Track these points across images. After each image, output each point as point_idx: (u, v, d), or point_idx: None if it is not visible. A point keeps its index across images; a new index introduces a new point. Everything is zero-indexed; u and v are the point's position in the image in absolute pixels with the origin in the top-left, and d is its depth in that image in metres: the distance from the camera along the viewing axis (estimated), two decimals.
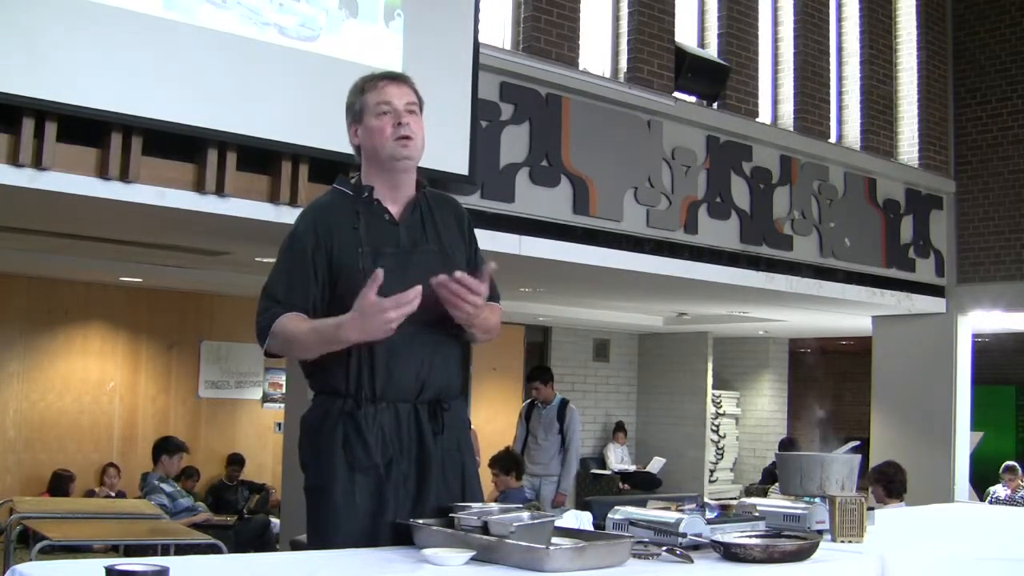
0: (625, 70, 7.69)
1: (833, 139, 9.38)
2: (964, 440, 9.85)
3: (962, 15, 10.20)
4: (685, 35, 8.29)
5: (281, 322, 2.51)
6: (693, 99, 8.18)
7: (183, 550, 5.32)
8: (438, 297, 2.52)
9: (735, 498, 4.40)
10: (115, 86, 4.90)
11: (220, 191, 5.35)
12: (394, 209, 2.64)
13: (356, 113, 2.66)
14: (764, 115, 8.77)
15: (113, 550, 6.60)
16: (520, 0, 7.12)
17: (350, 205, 2.61)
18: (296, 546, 4.20)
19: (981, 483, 10.93)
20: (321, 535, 2.52)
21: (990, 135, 9.94)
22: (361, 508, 2.49)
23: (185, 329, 10.80)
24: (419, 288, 2.41)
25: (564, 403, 8.48)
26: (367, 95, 2.64)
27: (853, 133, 9.55)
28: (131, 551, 5.92)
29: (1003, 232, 9.79)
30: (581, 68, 7.34)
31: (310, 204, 2.70)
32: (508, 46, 7.11)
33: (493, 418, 11.89)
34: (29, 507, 6.49)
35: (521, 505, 2.59)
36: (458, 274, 2.47)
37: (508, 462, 7.17)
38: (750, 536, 2.46)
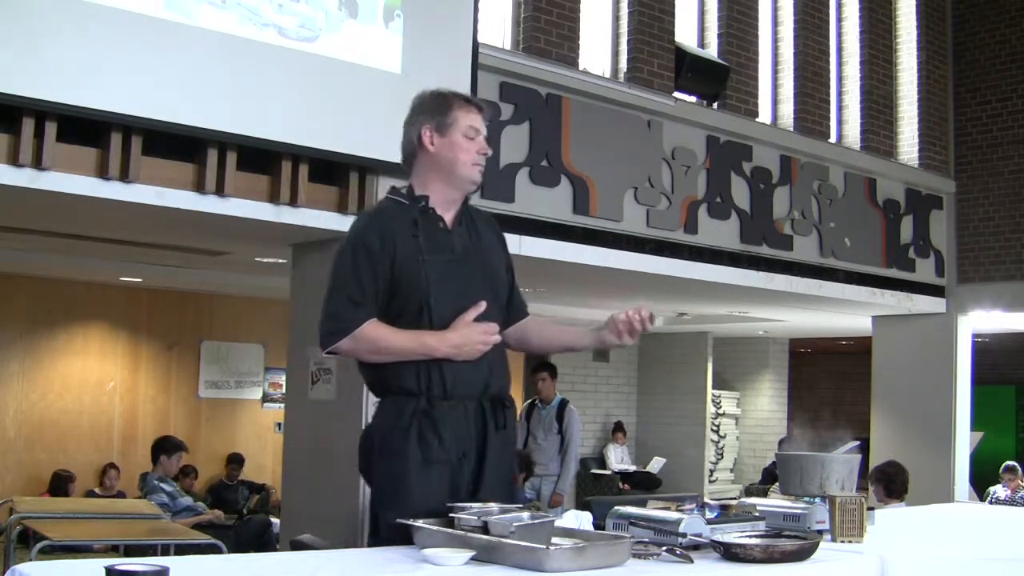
0: (625, 70, 7.69)
1: (833, 139, 9.37)
2: (964, 440, 9.84)
3: (962, 15, 10.19)
4: (685, 35, 8.28)
5: (372, 326, 2.63)
6: (693, 99, 8.17)
7: (183, 550, 5.32)
8: (490, 304, 2.73)
9: (735, 498, 4.41)
10: (115, 86, 4.90)
11: (220, 191, 5.34)
12: (447, 217, 2.78)
13: (442, 122, 2.75)
14: (764, 115, 8.76)
15: (113, 550, 6.59)
16: (520, 0, 7.12)
17: (406, 213, 2.72)
18: (296, 546, 4.20)
19: (981, 483, 10.92)
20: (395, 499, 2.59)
21: (990, 135, 9.93)
22: (436, 497, 2.57)
23: (185, 329, 10.80)
24: (483, 304, 2.67)
25: (563, 403, 8.45)
26: (458, 112, 2.76)
27: (853, 133, 9.54)
28: (131, 551, 5.92)
29: (1003, 232, 9.78)
30: (581, 68, 7.33)
31: (368, 211, 2.85)
32: (508, 46, 7.10)
33: None
34: (29, 507, 6.50)
35: (521, 505, 2.59)
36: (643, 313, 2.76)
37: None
38: (750, 536, 2.46)
